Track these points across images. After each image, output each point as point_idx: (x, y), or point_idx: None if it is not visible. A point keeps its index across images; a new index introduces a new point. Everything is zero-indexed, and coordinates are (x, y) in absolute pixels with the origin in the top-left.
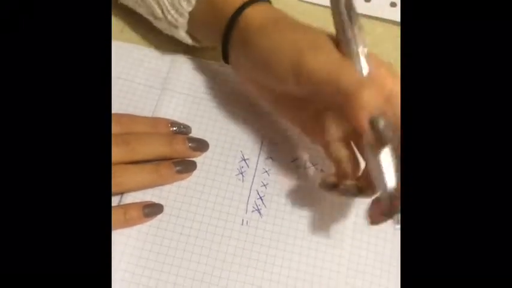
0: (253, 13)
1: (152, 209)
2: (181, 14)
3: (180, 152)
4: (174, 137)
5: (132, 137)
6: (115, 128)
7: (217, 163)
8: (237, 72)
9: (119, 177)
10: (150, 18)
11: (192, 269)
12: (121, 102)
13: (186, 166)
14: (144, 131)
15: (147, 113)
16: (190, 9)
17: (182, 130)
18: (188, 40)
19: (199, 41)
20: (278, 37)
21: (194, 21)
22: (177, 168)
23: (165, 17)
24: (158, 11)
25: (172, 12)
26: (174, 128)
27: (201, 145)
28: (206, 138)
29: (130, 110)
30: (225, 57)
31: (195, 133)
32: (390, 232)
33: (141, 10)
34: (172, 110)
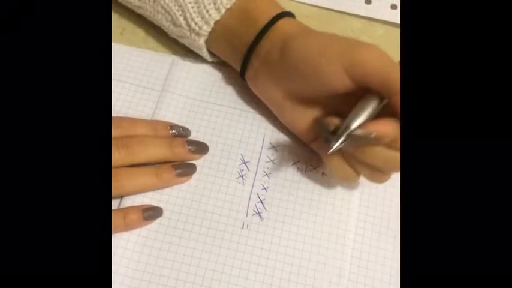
0: (289, 23)
1: (152, 213)
2: (207, 22)
3: (179, 155)
4: (173, 140)
5: (131, 140)
6: (115, 132)
7: (217, 166)
8: (255, 84)
9: (118, 180)
10: (168, 25)
11: (192, 273)
12: (121, 104)
13: (186, 169)
14: (143, 134)
15: (146, 115)
16: (218, 18)
17: (181, 133)
18: (204, 51)
19: (214, 55)
20: (323, 38)
21: (217, 31)
22: (177, 171)
23: (188, 25)
24: (180, 18)
25: (198, 19)
26: (174, 131)
27: (200, 148)
28: (206, 141)
29: (130, 113)
30: (243, 70)
31: (194, 136)
32: (392, 236)
33: (159, 17)
34: (172, 112)
